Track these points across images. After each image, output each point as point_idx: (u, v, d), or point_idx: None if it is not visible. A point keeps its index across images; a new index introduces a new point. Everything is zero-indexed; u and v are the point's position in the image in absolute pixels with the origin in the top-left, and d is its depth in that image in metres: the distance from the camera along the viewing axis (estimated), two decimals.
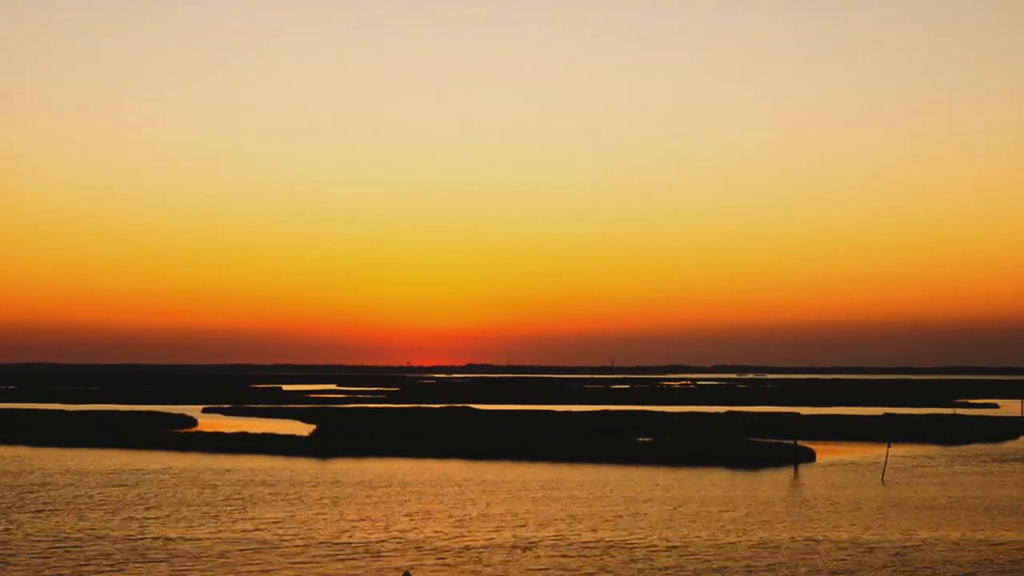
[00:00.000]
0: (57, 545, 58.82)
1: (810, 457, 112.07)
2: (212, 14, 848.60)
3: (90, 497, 79.71)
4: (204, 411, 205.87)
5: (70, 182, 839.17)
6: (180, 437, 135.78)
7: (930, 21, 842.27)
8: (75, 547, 58.25)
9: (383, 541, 60.79)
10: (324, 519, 69.15)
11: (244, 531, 64.02)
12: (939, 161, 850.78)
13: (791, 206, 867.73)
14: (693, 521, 68.81)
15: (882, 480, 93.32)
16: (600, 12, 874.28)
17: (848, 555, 56.97)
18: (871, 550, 58.48)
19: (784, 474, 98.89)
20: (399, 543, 60.15)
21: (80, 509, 73.27)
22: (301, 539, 61.28)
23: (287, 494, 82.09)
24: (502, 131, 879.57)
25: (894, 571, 52.72)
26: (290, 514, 71.24)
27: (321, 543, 59.96)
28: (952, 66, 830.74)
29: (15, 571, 51.82)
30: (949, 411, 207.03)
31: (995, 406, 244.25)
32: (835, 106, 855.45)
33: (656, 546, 59.45)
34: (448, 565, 53.78)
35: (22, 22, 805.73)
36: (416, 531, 64.42)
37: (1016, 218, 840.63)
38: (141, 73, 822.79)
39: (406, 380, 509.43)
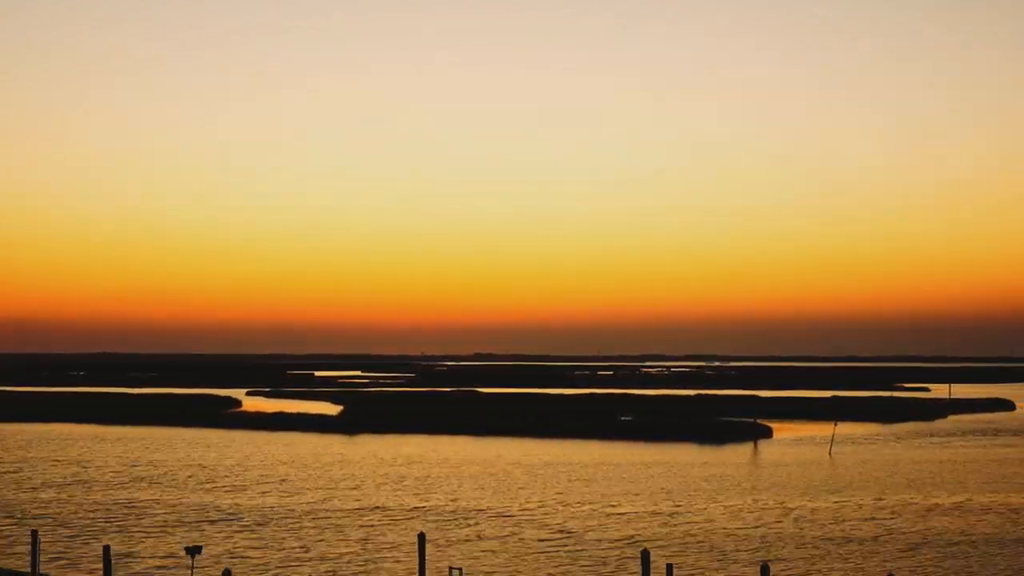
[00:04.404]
0: (135, 511, 59.13)
1: (768, 433, 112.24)
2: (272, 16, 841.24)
3: (156, 467, 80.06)
4: (247, 394, 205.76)
5: (123, 194, 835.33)
6: (228, 416, 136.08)
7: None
8: (154, 513, 58.56)
9: (402, 506, 60.97)
10: (349, 487, 69.34)
11: (279, 498, 64.26)
12: (906, 177, 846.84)
13: (757, 220, 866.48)
14: (664, 488, 69.02)
15: (829, 453, 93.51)
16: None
17: (798, 519, 57.20)
18: (818, 514, 58.72)
19: (745, 448, 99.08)
20: (415, 508, 60.34)
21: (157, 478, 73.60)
22: (329, 504, 61.50)
23: (318, 465, 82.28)
24: (508, 143, 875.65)
25: (838, 533, 52.99)
26: (316, 484, 71.44)
27: (346, 508, 60.16)
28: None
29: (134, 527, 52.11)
30: (887, 394, 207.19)
31: (927, 390, 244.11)
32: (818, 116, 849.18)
33: (634, 511, 59.71)
34: (459, 527, 53.98)
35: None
36: (430, 498, 64.58)
37: (950, 226, 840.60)
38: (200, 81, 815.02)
39: (421, 367, 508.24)
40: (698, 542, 49.54)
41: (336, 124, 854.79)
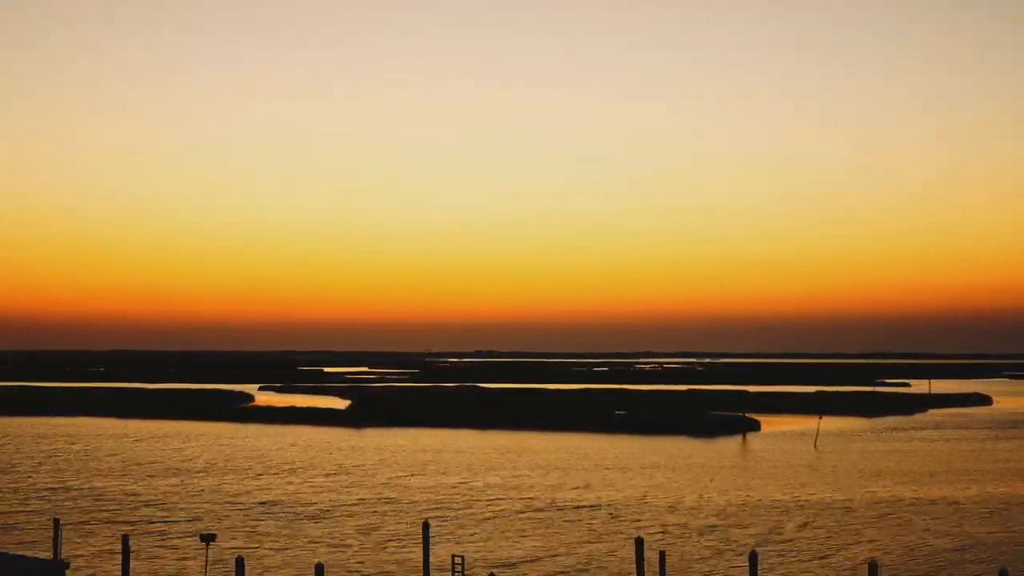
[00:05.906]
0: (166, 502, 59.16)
1: (756, 427, 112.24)
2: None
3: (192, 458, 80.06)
4: (260, 389, 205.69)
5: (123, 194, 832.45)
6: (242, 410, 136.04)
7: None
8: (184, 503, 58.59)
9: (407, 495, 60.97)
10: (356, 477, 69.33)
11: (290, 487, 64.27)
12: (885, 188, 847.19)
13: (752, 220, 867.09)
14: (657, 479, 69.03)
15: (814, 446, 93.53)
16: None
17: (785, 508, 57.23)
18: (804, 504, 58.75)
19: (734, 441, 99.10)
20: (420, 497, 60.34)
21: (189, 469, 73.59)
22: (337, 493, 61.50)
23: (327, 457, 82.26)
24: (508, 145, 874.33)
25: (823, 521, 53.01)
26: (325, 475, 71.43)
27: (353, 497, 60.16)
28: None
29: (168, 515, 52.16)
30: (870, 389, 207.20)
31: (907, 385, 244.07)
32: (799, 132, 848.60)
33: (629, 501, 59.73)
34: (461, 516, 54.00)
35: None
36: (433, 488, 64.58)
37: (934, 229, 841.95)
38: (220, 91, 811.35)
39: (425, 363, 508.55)
40: (690, 531, 49.55)
41: (337, 125, 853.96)
